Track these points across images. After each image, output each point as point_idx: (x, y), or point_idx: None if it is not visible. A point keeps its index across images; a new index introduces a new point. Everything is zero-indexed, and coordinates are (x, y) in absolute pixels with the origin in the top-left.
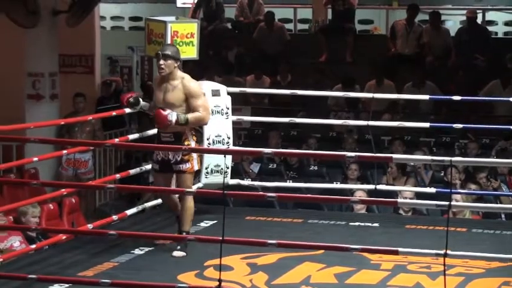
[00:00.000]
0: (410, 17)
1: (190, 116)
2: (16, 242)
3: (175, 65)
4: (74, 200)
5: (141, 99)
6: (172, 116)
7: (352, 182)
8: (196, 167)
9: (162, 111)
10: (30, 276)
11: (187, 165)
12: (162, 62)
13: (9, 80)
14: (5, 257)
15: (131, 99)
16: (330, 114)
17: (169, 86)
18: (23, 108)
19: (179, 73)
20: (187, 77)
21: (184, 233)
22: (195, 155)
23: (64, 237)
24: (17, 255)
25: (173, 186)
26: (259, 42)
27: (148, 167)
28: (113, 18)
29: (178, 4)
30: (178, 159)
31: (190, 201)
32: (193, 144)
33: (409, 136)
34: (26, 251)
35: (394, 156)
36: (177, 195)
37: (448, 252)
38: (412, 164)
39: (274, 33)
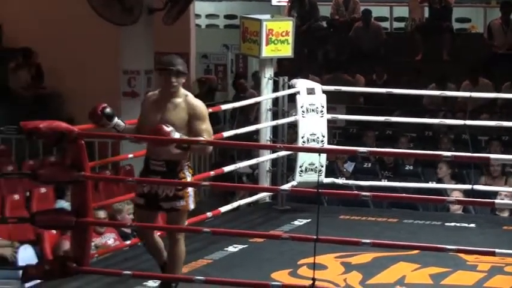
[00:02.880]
0: (505, 15)
1: None
2: (110, 239)
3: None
4: None
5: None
6: (174, 134)
7: (447, 182)
8: (192, 206)
9: (164, 126)
10: (125, 272)
11: (182, 203)
12: (174, 79)
13: (105, 77)
14: (101, 253)
15: (108, 110)
16: (425, 114)
17: (170, 104)
18: (119, 106)
19: (182, 90)
20: (190, 94)
21: (173, 286)
22: (191, 191)
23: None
24: (112, 251)
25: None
26: (355, 41)
27: (243, 165)
28: (208, 16)
29: (274, 2)
30: (171, 194)
31: (182, 245)
32: (189, 178)
33: (507, 136)
34: (121, 247)
35: (492, 156)
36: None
37: None
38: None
39: (370, 32)
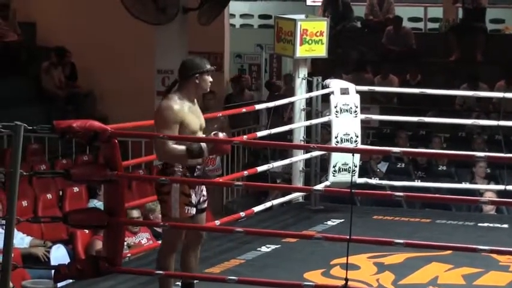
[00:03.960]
0: None
1: None
2: (144, 239)
3: None
4: None
5: None
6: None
7: (480, 182)
8: (176, 214)
9: (220, 135)
10: (157, 272)
11: (164, 207)
12: (211, 78)
13: (139, 77)
14: (133, 252)
15: None
16: (459, 114)
17: (198, 109)
18: (153, 105)
19: None
20: None
21: None
22: (174, 198)
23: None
24: (144, 251)
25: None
26: (387, 44)
27: (276, 164)
28: (242, 16)
29: (308, 2)
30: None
31: (165, 262)
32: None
33: None
34: (153, 246)
35: None
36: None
37: None
38: None
39: (401, 37)
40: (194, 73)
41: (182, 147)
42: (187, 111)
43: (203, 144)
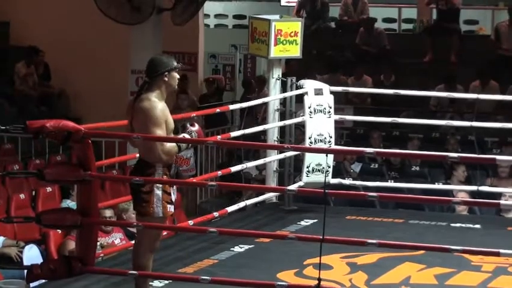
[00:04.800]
0: None
1: None
2: (117, 239)
3: None
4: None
5: None
6: None
7: (457, 183)
8: (159, 214)
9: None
10: (130, 272)
11: (145, 207)
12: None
13: (113, 77)
14: (106, 252)
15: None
16: (433, 115)
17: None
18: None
19: None
20: None
21: None
22: (157, 197)
23: (165, 233)
24: (117, 251)
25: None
26: (361, 45)
27: (251, 164)
28: (216, 16)
29: (283, 2)
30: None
31: (143, 260)
32: (157, 190)
33: None
34: (127, 246)
35: (498, 157)
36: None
37: None
38: None
39: (374, 39)
40: (163, 71)
41: (173, 144)
42: (167, 111)
43: (187, 136)
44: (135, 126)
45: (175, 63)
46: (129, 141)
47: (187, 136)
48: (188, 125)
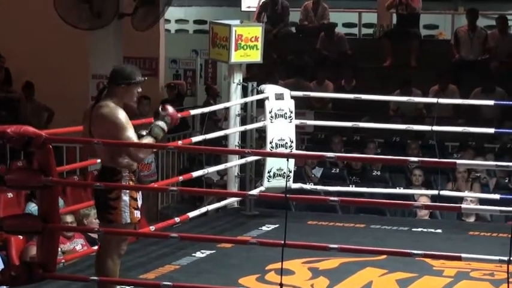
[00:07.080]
0: (471, 22)
1: None
2: (78, 245)
3: None
4: None
5: None
6: None
7: (416, 188)
8: (127, 220)
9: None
10: (91, 277)
11: (113, 214)
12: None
13: (74, 82)
14: (68, 258)
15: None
16: (394, 119)
17: None
18: None
19: None
20: None
21: None
22: (125, 203)
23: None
24: (79, 257)
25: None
26: (321, 50)
27: (212, 169)
28: (177, 21)
29: (243, 8)
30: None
31: (111, 266)
32: (125, 196)
33: (473, 142)
34: (88, 252)
35: (458, 161)
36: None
37: None
38: (477, 171)
39: (334, 44)
40: (121, 83)
41: (149, 139)
42: (128, 119)
43: (161, 124)
44: (95, 133)
45: (137, 78)
46: (87, 150)
47: (161, 122)
48: (160, 110)
